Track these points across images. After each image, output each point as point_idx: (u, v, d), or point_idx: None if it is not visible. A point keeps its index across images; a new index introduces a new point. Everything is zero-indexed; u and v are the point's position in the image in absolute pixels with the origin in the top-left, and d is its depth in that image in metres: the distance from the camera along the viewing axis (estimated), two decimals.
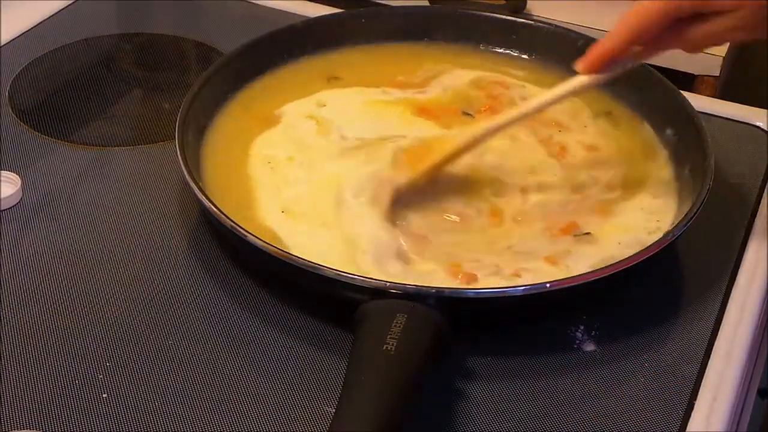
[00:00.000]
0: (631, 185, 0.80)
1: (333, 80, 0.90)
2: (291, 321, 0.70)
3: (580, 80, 0.75)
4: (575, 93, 0.77)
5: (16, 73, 0.95)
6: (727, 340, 0.70)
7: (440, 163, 0.78)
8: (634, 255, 0.69)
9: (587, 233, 0.74)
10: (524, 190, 0.78)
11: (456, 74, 0.92)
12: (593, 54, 0.73)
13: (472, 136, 0.78)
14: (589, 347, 0.69)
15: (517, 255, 0.73)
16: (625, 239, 0.74)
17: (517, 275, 0.70)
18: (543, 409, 0.65)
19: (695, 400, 0.66)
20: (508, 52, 0.94)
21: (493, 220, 0.76)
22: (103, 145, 0.86)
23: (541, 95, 0.78)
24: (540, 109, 0.78)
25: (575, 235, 0.74)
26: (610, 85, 0.86)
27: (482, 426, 0.64)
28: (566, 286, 0.67)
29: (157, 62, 1.00)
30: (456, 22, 0.95)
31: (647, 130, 0.85)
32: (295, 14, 1.03)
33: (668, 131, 0.84)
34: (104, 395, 0.64)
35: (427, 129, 0.84)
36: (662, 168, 0.81)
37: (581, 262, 0.71)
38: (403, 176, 0.76)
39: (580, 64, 0.74)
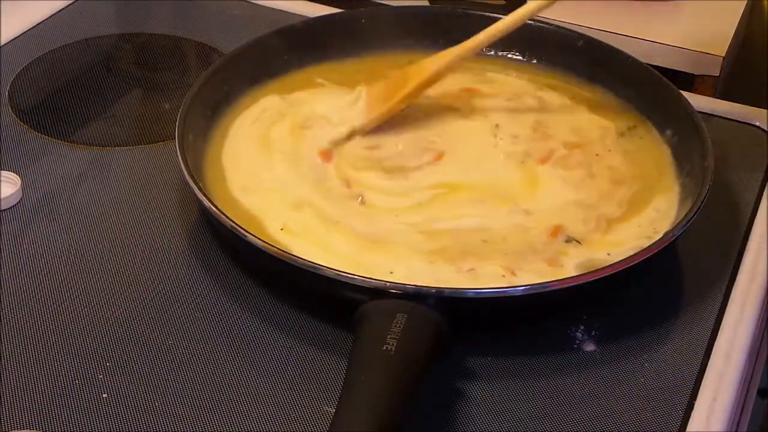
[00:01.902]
0: (639, 203, 0.78)
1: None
2: (291, 321, 0.70)
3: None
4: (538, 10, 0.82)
5: (16, 73, 0.95)
6: (727, 340, 0.70)
7: (413, 92, 0.83)
8: (635, 255, 0.69)
9: (577, 240, 0.74)
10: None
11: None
12: None
13: (444, 63, 0.83)
14: (589, 347, 0.69)
15: (509, 253, 0.73)
16: (615, 251, 0.73)
17: (513, 273, 0.71)
18: (543, 409, 0.65)
19: (695, 400, 0.66)
20: (507, 51, 0.94)
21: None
22: (103, 145, 0.86)
23: (506, 18, 0.84)
24: (505, 31, 0.83)
25: (567, 241, 0.74)
26: (631, 99, 0.87)
27: (482, 426, 0.64)
28: (566, 286, 0.67)
29: (157, 62, 1.00)
30: (456, 22, 0.95)
31: (664, 144, 0.84)
32: (295, 14, 1.03)
33: (668, 131, 0.84)
34: (104, 395, 0.64)
35: None
36: (666, 173, 0.81)
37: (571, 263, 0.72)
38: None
39: None
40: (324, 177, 0.79)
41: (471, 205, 0.77)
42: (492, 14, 0.94)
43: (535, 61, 0.93)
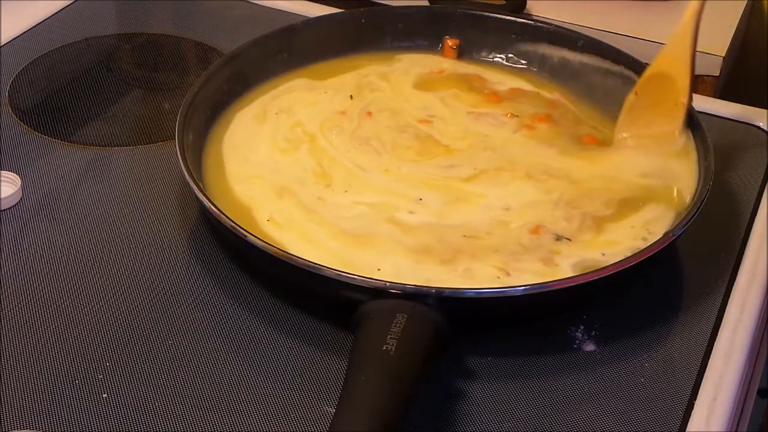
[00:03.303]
0: (630, 205, 0.77)
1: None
2: (291, 321, 0.70)
3: None
4: None
5: (16, 73, 0.95)
6: (727, 340, 0.70)
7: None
8: (636, 254, 0.69)
9: (567, 238, 0.74)
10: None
11: None
12: None
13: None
14: (589, 347, 0.69)
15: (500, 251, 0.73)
16: (610, 251, 0.73)
17: (507, 274, 0.71)
18: (543, 409, 0.65)
19: (695, 400, 0.66)
20: (506, 52, 0.95)
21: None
22: (103, 145, 0.86)
23: None
24: None
25: (558, 239, 0.74)
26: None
27: (482, 426, 0.64)
28: (566, 286, 0.67)
29: (157, 62, 1.00)
30: (456, 22, 0.95)
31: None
32: (295, 14, 1.04)
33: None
34: (104, 395, 0.64)
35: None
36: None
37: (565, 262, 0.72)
38: None
39: None
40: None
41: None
42: (492, 14, 0.95)
43: (535, 69, 0.93)
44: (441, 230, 0.74)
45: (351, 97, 0.88)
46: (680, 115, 0.81)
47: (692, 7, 0.81)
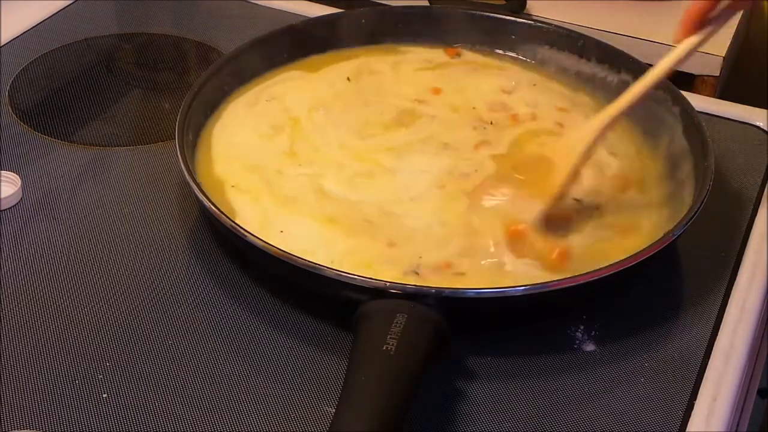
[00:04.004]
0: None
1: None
2: (291, 321, 0.70)
3: (683, 45, 0.74)
4: (681, 61, 0.75)
5: (16, 73, 0.95)
6: (727, 340, 0.70)
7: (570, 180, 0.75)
8: (635, 255, 0.69)
9: None
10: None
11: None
12: (686, 17, 0.73)
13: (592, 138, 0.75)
14: (589, 347, 0.69)
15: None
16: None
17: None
18: (543, 409, 0.65)
19: (695, 400, 0.66)
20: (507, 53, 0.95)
21: None
22: (103, 145, 0.86)
23: (650, 71, 0.76)
24: (652, 86, 0.75)
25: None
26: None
27: (482, 426, 0.64)
28: (566, 286, 0.67)
29: (157, 62, 1.00)
30: (456, 22, 0.95)
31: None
32: (295, 14, 1.04)
33: (667, 131, 0.84)
34: (104, 395, 0.64)
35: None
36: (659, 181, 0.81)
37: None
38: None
39: (678, 32, 0.74)
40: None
41: None
42: (492, 14, 0.95)
43: (534, 62, 0.93)
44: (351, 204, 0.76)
45: (348, 79, 0.89)
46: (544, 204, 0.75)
47: (600, 118, 0.76)
